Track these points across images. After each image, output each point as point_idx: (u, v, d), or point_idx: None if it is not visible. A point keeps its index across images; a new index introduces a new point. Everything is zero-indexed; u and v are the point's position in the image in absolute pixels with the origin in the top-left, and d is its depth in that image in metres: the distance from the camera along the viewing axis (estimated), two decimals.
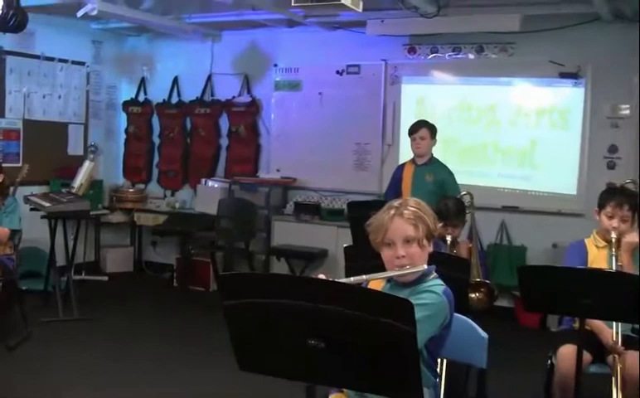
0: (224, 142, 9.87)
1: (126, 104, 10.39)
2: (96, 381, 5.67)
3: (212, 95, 9.90)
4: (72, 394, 5.44)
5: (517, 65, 8.24)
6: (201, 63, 9.87)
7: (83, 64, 9.69)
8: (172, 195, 10.18)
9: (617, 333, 4.13)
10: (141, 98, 10.34)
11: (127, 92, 10.42)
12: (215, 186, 9.38)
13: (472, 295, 4.75)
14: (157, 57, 10.24)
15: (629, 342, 4.15)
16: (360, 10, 6.46)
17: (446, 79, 8.62)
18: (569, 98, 7.99)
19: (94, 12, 7.68)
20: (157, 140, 10.30)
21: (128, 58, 10.36)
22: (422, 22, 7.63)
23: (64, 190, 8.01)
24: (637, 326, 4.37)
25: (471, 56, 8.48)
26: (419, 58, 8.71)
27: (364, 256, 3.23)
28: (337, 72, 9.03)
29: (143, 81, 10.34)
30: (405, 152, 7.25)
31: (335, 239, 8.47)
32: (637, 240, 4.36)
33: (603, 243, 4.46)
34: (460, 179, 6.71)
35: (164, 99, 10.15)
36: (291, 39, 9.25)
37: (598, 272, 3.95)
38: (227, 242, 8.96)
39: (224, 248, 9.00)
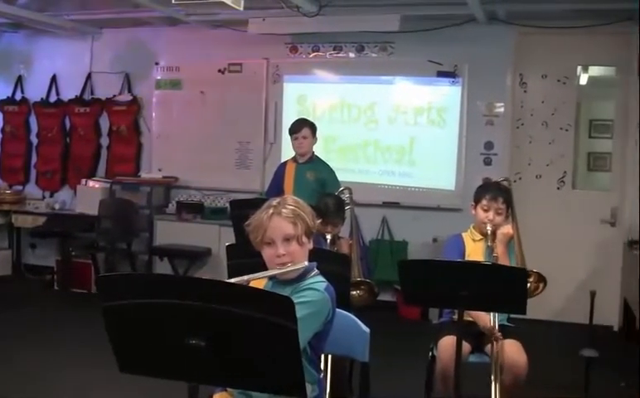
0: (104, 141, 9.71)
1: (2, 103, 10.09)
2: None
3: (92, 94, 9.72)
4: None
5: (397, 64, 8.40)
6: (81, 61, 9.68)
7: None
8: (52, 196, 9.93)
9: (493, 323, 4.27)
10: (18, 96, 10.06)
11: (2, 90, 10.10)
12: (96, 186, 9.21)
13: (354, 292, 4.79)
14: (35, 55, 9.98)
15: (505, 332, 4.29)
16: (241, 8, 6.48)
17: (327, 77, 8.72)
18: (447, 96, 8.20)
19: None
20: (35, 140, 10.03)
21: (3, 55, 10.05)
22: (303, 21, 7.69)
23: None
24: (512, 315, 4.55)
25: (351, 55, 8.61)
26: (301, 57, 8.79)
27: (246, 254, 3.24)
28: (219, 71, 9.01)
29: (19, 79, 10.07)
30: (287, 151, 7.29)
31: (218, 237, 8.43)
32: (512, 231, 4.54)
33: (479, 236, 4.61)
34: (341, 177, 6.76)
35: (42, 98, 9.91)
36: (172, 37, 9.18)
37: (475, 264, 4.08)
38: (108, 243, 8.84)
39: (105, 249, 8.87)
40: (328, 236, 5.11)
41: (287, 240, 2.96)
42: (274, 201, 3.04)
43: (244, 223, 3.09)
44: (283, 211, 2.98)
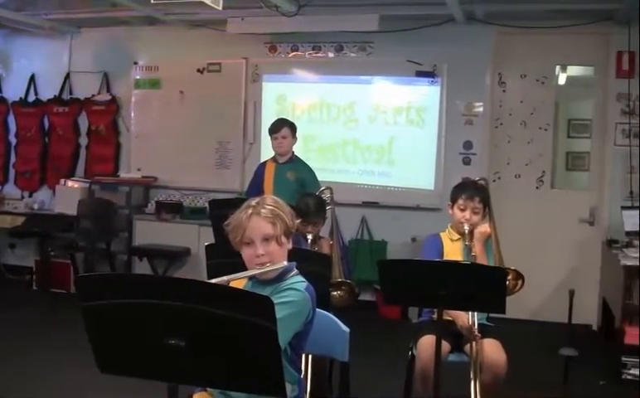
0: (83, 141, 9.64)
1: None
2: None
3: (71, 94, 9.64)
4: None
5: (376, 64, 8.40)
6: (59, 60, 9.61)
7: None
8: (30, 196, 9.85)
9: (472, 322, 4.28)
10: None
11: None
12: (75, 186, 9.16)
13: (334, 293, 4.79)
14: (13, 54, 9.89)
15: (484, 331, 4.30)
16: (220, 8, 6.46)
17: (306, 77, 8.71)
18: (426, 96, 8.20)
19: None
20: (13, 140, 9.94)
21: None
22: (282, 21, 7.67)
23: None
24: (491, 314, 4.56)
25: (330, 55, 8.60)
26: (280, 56, 8.78)
27: (225, 254, 3.23)
28: (198, 70, 8.98)
29: None
30: (267, 150, 7.28)
31: (197, 237, 8.40)
32: (489, 230, 4.55)
33: (457, 236, 4.62)
34: (321, 176, 6.78)
35: (21, 98, 9.81)
36: (151, 37, 9.14)
37: (454, 264, 4.09)
38: (87, 243, 8.78)
39: (84, 249, 8.82)
40: (309, 236, 5.10)
41: (266, 240, 2.96)
42: (253, 201, 3.04)
43: (223, 223, 3.09)
44: (262, 211, 2.98)
